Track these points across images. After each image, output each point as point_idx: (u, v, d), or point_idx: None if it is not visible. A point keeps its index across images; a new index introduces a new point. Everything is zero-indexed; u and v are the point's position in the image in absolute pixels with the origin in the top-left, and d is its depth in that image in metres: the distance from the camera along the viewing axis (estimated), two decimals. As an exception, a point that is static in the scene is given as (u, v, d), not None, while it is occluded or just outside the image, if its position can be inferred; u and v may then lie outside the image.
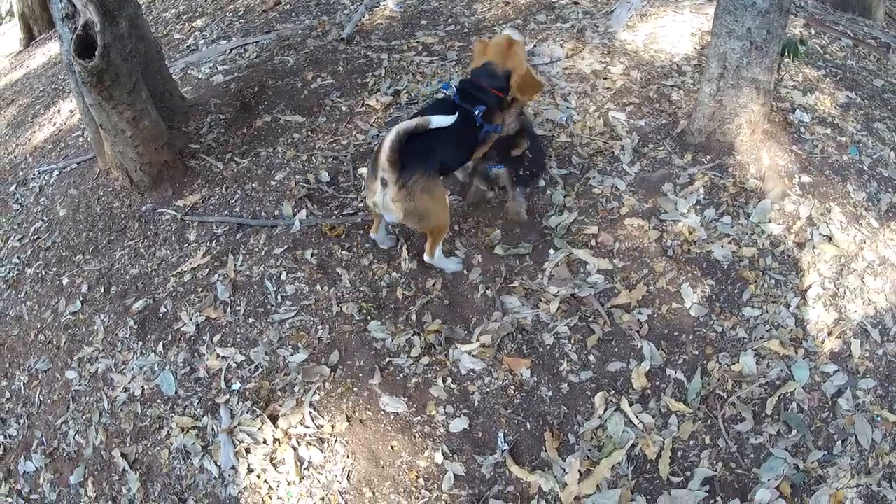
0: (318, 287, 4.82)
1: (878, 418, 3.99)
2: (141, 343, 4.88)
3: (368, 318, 4.64)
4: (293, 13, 8.27)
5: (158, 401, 4.61)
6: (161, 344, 4.82)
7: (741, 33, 4.77)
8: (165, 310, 5.00)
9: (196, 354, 4.72)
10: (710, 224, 4.87)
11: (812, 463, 3.84)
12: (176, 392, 4.60)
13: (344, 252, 4.99)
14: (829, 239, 4.73)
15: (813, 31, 6.97)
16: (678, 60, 6.37)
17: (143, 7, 9.85)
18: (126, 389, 4.71)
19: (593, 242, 4.89)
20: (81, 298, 5.36)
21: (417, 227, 4.54)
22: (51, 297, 5.53)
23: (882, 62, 6.83)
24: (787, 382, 4.12)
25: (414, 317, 4.63)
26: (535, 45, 6.71)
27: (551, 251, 4.87)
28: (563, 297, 4.60)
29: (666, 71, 6.23)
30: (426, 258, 4.67)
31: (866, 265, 4.61)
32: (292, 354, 4.55)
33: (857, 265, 4.60)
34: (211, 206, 5.54)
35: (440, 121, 4.15)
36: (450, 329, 4.55)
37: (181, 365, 4.69)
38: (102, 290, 5.30)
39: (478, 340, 4.47)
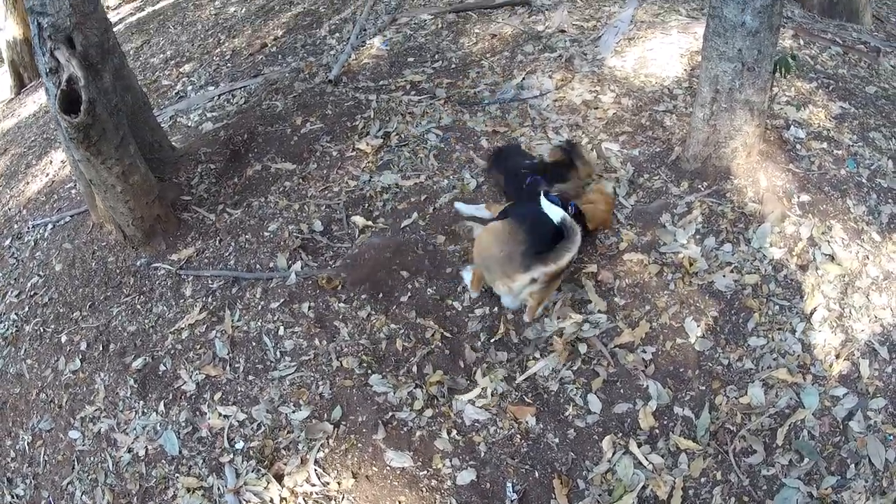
0: (317, 341, 4.78)
1: (891, 437, 3.93)
2: (142, 402, 4.83)
3: (369, 371, 4.59)
4: (280, 55, 8.22)
5: (163, 461, 4.55)
6: (162, 403, 4.77)
7: (732, 55, 4.73)
8: (165, 368, 4.96)
9: (198, 413, 4.67)
10: (710, 253, 4.82)
11: (826, 489, 3.78)
12: (180, 452, 4.54)
13: (341, 304, 4.94)
14: (832, 258, 4.69)
15: (802, 42, 6.95)
16: (669, 84, 6.34)
17: (131, 53, 10.11)
18: (130, 450, 4.66)
19: (594, 281, 4.83)
20: (81, 356, 5.30)
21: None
22: (50, 354, 5.47)
23: (873, 67, 6.81)
24: (796, 410, 4.07)
25: (415, 368, 4.57)
26: (523, 79, 6.68)
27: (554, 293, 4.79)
28: (567, 339, 4.55)
29: (657, 96, 6.19)
30: (528, 318, 4.74)
31: (871, 281, 4.56)
32: (294, 412, 4.50)
33: (861, 282, 4.55)
34: (205, 260, 5.49)
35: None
36: (452, 379, 4.50)
37: (183, 424, 4.65)
38: (101, 348, 5.24)
39: (481, 389, 4.43)
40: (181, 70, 9.01)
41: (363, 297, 4.95)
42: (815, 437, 3.97)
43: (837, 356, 4.26)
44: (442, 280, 4.99)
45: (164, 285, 5.43)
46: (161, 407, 4.76)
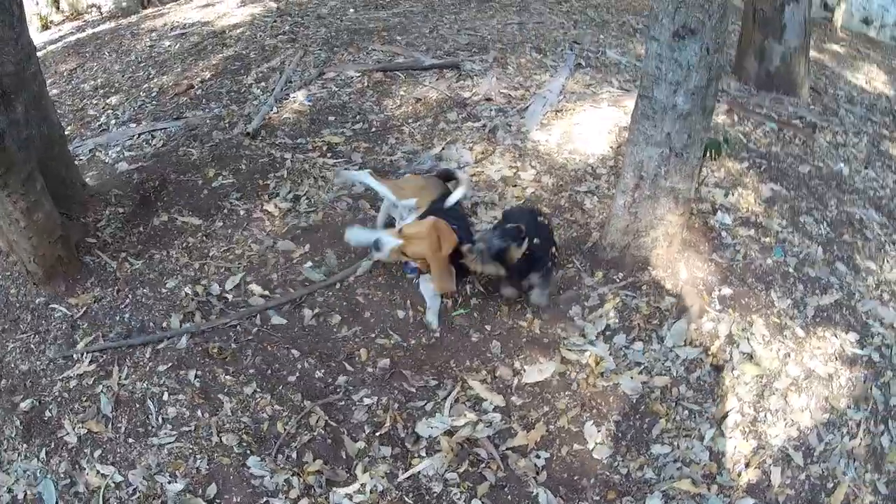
0: (200, 413, 4.43)
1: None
2: (25, 445, 4.45)
3: (248, 451, 4.25)
4: (204, 99, 7.87)
5: (40, 508, 4.22)
6: (44, 450, 4.39)
7: (659, 139, 4.46)
8: (50, 414, 4.58)
9: (77, 467, 4.29)
10: (619, 352, 4.57)
11: None
12: (56, 503, 4.19)
13: (228, 377, 4.59)
14: (750, 357, 4.50)
15: (736, 118, 6.85)
16: (593, 162, 6.12)
17: (64, 75, 9.70)
18: (10, 490, 4.27)
19: (490, 376, 4.54)
20: (-29, 387, 4.92)
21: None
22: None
23: (808, 144, 6.71)
24: (696, 524, 3.79)
25: (295, 454, 4.23)
26: (443, 148, 6.41)
27: (447, 385, 4.51)
28: (457, 438, 4.23)
29: (580, 175, 5.97)
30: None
31: (790, 382, 4.40)
32: (170, 482, 4.14)
33: (779, 383, 4.39)
34: (101, 310, 5.13)
35: None
36: (331, 470, 4.16)
37: (62, 475, 4.27)
38: None
39: (360, 484, 4.11)
40: (108, 101, 8.57)
41: (251, 371, 4.62)
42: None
43: (747, 464, 4.06)
44: (333, 363, 4.68)
45: (58, 329, 5.05)
46: (43, 454, 4.38)
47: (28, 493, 4.24)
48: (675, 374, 4.44)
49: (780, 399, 4.31)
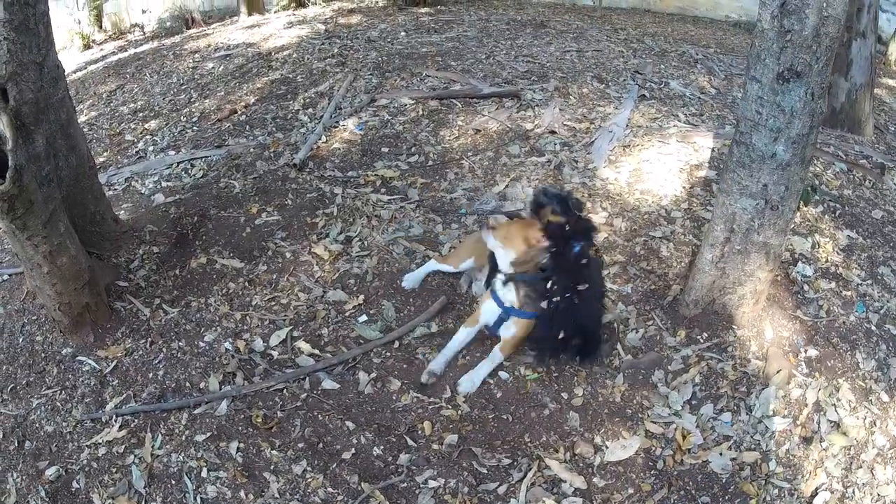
0: (243, 494, 3.89)
1: None
2: None
3: None
4: (248, 125, 7.43)
5: None
6: None
7: (755, 190, 3.99)
8: (78, 486, 4.09)
9: None
10: (706, 424, 4.05)
11: None
12: None
13: (274, 452, 4.05)
14: (838, 426, 4.03)
15: None
16: (666, 204, 5.60)
17: (104, 97, 9.41)
18: None
19: (569, 454, 3.98)
20: (-5, 446, 4.51)
21: None
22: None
23: (878, 187, 6.24)
24: None
25: None
26: (506, 186, 5.91)
27: (522, 464, 3.96)
28: None
29: (653, 218, 5.45)
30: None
31: (876, 452, 3.93)
32: (209, 586, 3.64)
33: (866, 455, 3.91)
34: (133, 364, 4.65)
35: None
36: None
37: None
38: (16, 443, 4.40)
39: None
40: (147, 126, 8.21)
41: (300, 445, 4.07)
42: None
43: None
44: (393, 437, 4.11)
45: (87, 385, 4.57)
46: None
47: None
48: (764, 447, 3.95)
49: (867, 472, 3.85)
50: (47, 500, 4.07)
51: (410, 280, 4.91)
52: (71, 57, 12.60)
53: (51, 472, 4.19)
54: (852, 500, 3.74)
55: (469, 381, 4.27)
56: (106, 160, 7.26)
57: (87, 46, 13.21)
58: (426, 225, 5.52)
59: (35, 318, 5.01)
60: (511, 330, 4.31)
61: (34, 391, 4.64)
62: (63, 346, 4.83)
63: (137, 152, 7.52)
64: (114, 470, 4.12)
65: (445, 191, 5.97)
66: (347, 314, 4.82)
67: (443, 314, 4.77)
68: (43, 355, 4.81)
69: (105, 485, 4.07)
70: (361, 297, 4.91)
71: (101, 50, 12.77)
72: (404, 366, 4.47)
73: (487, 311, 4.38)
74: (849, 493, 3.76)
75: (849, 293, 4.80)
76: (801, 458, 3.89)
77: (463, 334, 4.43)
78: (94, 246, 5.18)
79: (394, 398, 4.30)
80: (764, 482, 3.79)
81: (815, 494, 3.74)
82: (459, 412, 4.19)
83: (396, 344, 4.59)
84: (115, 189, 6.48)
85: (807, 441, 3.96)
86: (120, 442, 4.23)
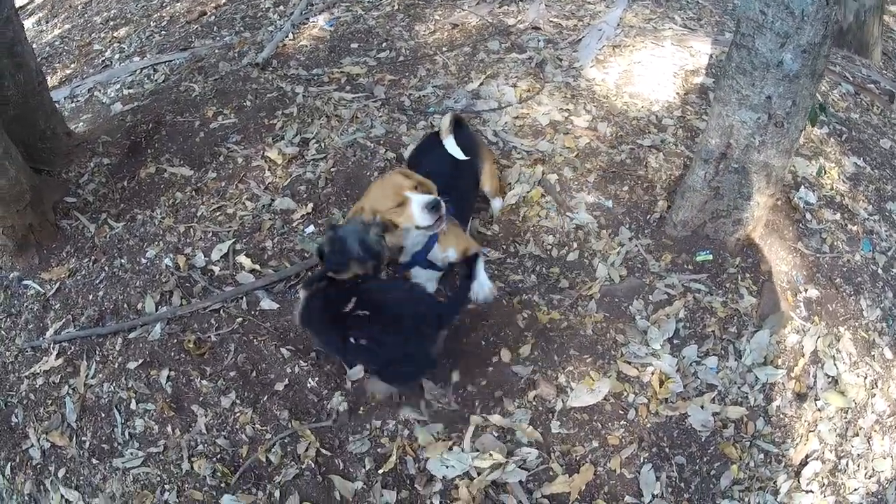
0: (170, 429, 3.56)
1: None
2: None
3: (223, 485, 3.34)
4: (216, 27, 6.99)
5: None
6: (10, 465, 3.81)
7: (757, 102, 3.45)
8: (17, 420, 3.95)
9: (41, 488, 3.68)
10: (688, 369, 3.58)
11: None
12: None
13: (204, 381, 3.66)
14: (836, 382, 3.61)
15: None
16: (657, 110, 5.08)
17: (79, 8, 9.05)
18: None
19: (528, 396, 3.48)
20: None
21: None
22: None
23: (886, 115, 5.69)
24: None
25: (277, 494, 3.27)
26: (481, 83, 5.41)
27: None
28: (479, 484, 3.18)
29: (642, 125, 4.93)
30: None
31: (875, 419, 3.54)
32: (133, 518, 3.42)
33: (864, 421, 3.52)
34: (75, 286, 4.36)
35: None
36: (320, 517, 3.24)
37: (27, 498, 3.70)
38: None
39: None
40: (116, 34, 7.81)
41: (231, 374, 3.66)
42: None
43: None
44: (330, 367, 3.67)
45: (30, 310, 4.34)
46: (8, 469, 3.80)
47: (-4, 515, 3.74)
48: (752, 402, 3.50)
49: (863, 441, 3.47)
50: (-11, 437, 3.95)
51: None
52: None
53: (-7, 405, 3.96)
54: (844, 473, 3.37)
55: None
56: (72, 72, 7.04)
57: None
58: (389, 125, 5.11)
59: (-15, 245, 4.76)
60: None
61: (-17, 320, 4.51)
62: (11, 270, 4.64)
63: (104, 61, 7.23)
64: (49, 402, 3.93)
65: (415, 88, 5.58)
66: (294, 224, 4.42)
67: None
68: (-7, 282, 4.66)
69: (41, 418, 3.90)
70: (311, 205, 4.49)
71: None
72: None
73: None
74: (841, 464, 3.38)
75: (854, 227, 4.38)
76: (793, 417, 3.48)
77: None
78: (44, 163, 5.02)
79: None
80: (749, 444, 3.38)
81: (804, 463, 3.35)
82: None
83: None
84: (78, 101, 6.32)
85: (800, 398, 3.54)
86: (56, 371, 4.03)
